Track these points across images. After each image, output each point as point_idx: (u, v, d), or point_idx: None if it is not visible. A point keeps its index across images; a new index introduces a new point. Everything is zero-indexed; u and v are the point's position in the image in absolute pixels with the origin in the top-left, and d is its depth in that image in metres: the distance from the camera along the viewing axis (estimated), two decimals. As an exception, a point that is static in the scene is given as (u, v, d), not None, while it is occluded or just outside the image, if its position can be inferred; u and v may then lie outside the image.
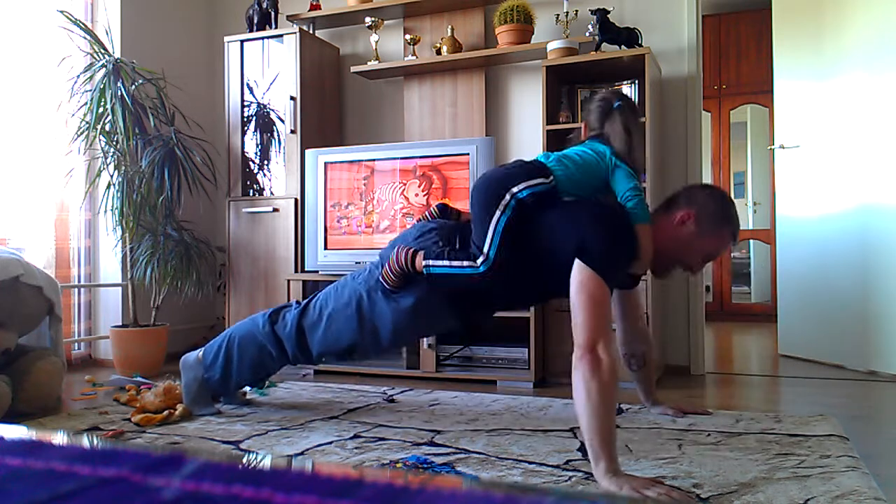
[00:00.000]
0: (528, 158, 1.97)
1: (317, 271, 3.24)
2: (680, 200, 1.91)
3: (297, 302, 2.26)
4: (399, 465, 1.75)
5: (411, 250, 1.97)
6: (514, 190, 1.82)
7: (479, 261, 1.86)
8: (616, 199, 1.90)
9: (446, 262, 1.91)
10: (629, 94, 3.03)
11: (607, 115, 1.95)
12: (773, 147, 3.75)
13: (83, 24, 3.27)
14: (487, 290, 1.97)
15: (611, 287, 1.71)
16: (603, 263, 1.68)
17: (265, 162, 3.60)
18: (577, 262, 1.70)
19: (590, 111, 2.02)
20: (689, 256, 1.91)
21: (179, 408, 2.26)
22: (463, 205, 2.96)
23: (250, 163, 3.60)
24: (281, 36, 3.49)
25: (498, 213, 1.82)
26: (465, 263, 1.88)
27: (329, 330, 2.12)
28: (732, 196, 5.45)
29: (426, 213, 2.18)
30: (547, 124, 3.02)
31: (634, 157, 1.91)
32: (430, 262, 1.93)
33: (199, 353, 2.33)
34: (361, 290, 2.09)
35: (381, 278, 2.02)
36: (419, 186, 3.09)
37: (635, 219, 1.84)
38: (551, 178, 1.85)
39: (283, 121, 3.48)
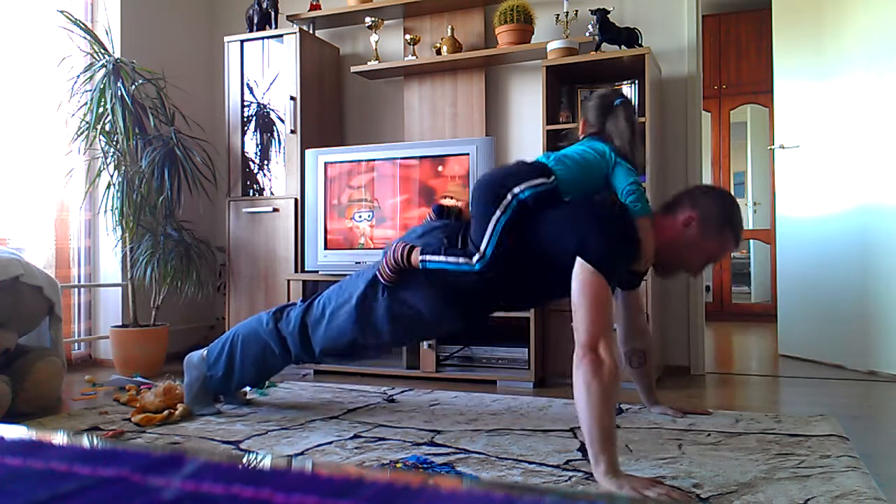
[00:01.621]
0: (528, 159, 1.97)
1: (317, 271, 3.24)
2: (684, 202, 1.90)
3: (302, 300, 2.27)
4: (399, 465, 1.75)
5: (408, 245, 1.97)
6: (516, 190, 1.82)
7: (475, 259, 1.86)
8: (616, 196, 1.90)
9: (442, 258, 1.91)
10: (629, 94, 3.03)
11: (608, 112, 1.95)
12: (773, 147, 3.75)
13: (83, 24, 3.27)
14: (486, 288, 1.96)
15: (612, 287, 1.71)
16: (604, 262, 1.68)
17: (265, 162, 3.60)
18: (578, 261, 1.69)
19: (588, 108, 2.01)
20: (690, 258, 1.91)
21: (180, 408, 2.26)
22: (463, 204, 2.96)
23: (250, 163, 3.60)
24: (281, 36, 3.49)
25: (498, 212, 1.82)
26: (462, 260, 1.88)
27: (331, 326, 2.12)
28: (731, 193, 5.50)
29: (429, 214, 2.18)
30: (547, 124, 3.02)
31: (635, 154, 1.91)
32: (427, 258, 1.93)
33: (203, 351, 2.33)
34: (363, 287, 2.09)
35: (377, 272, 2.03)
36: (419, 186, 3.09)
37: (636, 213, 1.84)
38: (552, 177, 1.85)
39: (283, 121, 3.48)
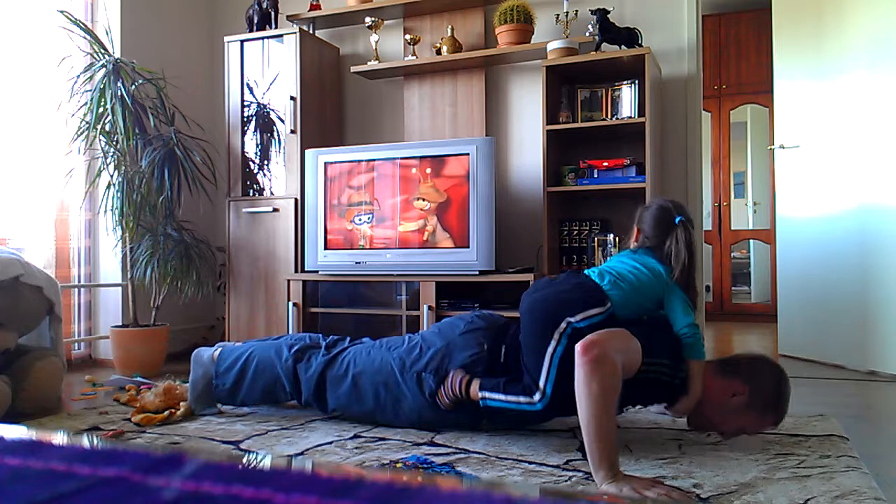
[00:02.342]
0: (581, 279, 1.89)
1: (317, 271, 3.24)
2: (740, 373, 1.82)
3: (326, 348, 2.22)
4: (399, 465, 1.75)
5: (466, 378, 1.92)
6: (572, 320, 1.76)
7: (537, 398, 1.79)
8: (668, 321, 1.87)
9: (502, 397, 1.85)
10: (629, 94, 3.03)
11: (667, 229, 1.90)
12: (773, 147, 3.75)
13: (83, 24, 3.27)
14: (539, 418, 1.91)
15: (641, 371, 1.69)
16: (642, 340, 1.68)
17: (265, 162, 3.60)
18: None
19: (645, 219, 1.96)
20: (726, 423, 1.83)
21: (182, 406, 2.26)
22: (463, 205, 2.96)
23: (250, 163, 3.60)
24: (281, 36, 3.49)
25: (553, 343, 1.76)
26: (522, 399, 1.82)
27: (352, 392, 2.10)
28: (732, 196, 5.50)
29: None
30: (547, 124, 3.02)
31: (692, 282, 1.86)
32: (487, 395, 1.87)
33: (215, 352, 2.31)
34: (395, 365, 2.05)
35: (437, 400, 1.98)
36: (423, 186, 3.09)
37: (692, 354, 1.80)
38: (608, 304, 1.80)
39: (283, 121, 3.48)
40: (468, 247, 2.95)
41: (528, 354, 1.83)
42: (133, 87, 3.21)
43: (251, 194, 3.57)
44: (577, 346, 1.58)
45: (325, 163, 3.22)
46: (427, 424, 2.06)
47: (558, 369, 1.75)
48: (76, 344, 3.49)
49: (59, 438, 0.48)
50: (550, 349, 1.76)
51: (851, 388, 2.78)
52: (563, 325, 1.76)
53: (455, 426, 2.05)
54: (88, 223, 3.51)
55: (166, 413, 2.22)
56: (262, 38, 3.55)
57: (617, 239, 3.05)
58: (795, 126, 3.55)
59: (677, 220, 1.90)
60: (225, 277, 3.58)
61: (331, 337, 2.30)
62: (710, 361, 1.87)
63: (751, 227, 5.59)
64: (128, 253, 3.28)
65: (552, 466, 1.71)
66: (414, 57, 3.44)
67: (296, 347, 2.22)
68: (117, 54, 3.39)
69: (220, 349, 2.32)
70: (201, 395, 2.29)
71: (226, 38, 3.62)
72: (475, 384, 1.90)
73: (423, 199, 3.05)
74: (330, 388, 2.13)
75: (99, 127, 3.17)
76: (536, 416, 1.86)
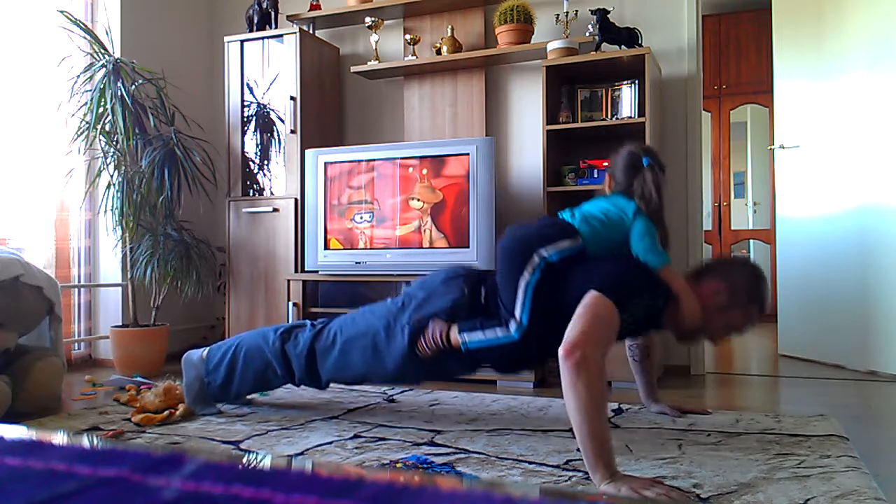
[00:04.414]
0: (553, 218, 1.97)
1: (317, 271, 3.24)
2: (714, 274, 1.90)
3: (311, 324, 2.25)
4: (399, 465, 1.75)
5: (445, 328, 1.95)
6: (544, 252, 1.82)
7: (513, 327, 1.85)
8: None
9: (481, 335, 1.90)
10: (629, 94, 3.03)
11: (635, 171, 1.94)
12: (773, 147, 3.75)
13: (83, 24, 3.27)
14: (521, 353, 1.95)
15: (625, 321, 1.69)
16: (616, 290, 1.68)
17: (265, 162, 3.60)
18: (589, 291, 1.69)
19: (616, 165, 2.00)
20: (713, 327, 1.89)
21: (181, 407, 2.26)
22: (463, 205, 2.96)
23: (250, 163, 3.60)
24: (281, 36, 3.49)
25: (527, 274, 1.82)
26: (500, 332, 1.88)
27: (342, 358, 2.11)
28: (732, 196, 5.50)
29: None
30: (547, 124, 3.02)
31: (659, 213, 1.90)
32: (466, 338, 1.92)
33: (203, 352, 2.32)
34: (380, 325, 2.08)
35: (417, 351, 2.00)
36: (419, 186, 3.09)
37: (654, 264, 1.84)
38: (579, 239, 1.85)
39: (283, 121, 3.48)
40: (468, 247, 2.95)
41: (504, 290, 1.89)
42: (133, 87, 3.21)
43: (251, 194, 3.57)
44: (560, 350, 1.58)
45: (325, 163, 3.22)
46: (418, 378, 2.11)
47: (533, 298, 1.82)
48: (76, 344, 3.49)
49: (59, 438, 0.48)
50: (524, 280, 1.83)
51: (851, 388, 2.78)
52: (536, 258, 1.82)
53: (446, 375, 2.09)
54: (88, 223, 3.51)
55: (166, 413, 2.22)
56: (262, 38, 3.55)
57: None
58: (795, 126, 3.55)
59: (645, 162, 1.93)
60: (225, 277, 3.58)
61: (319, 320, 2.32)
62: (686, 275, 1.94)
63: (751, 227, 5.59)
64: (128, 253, 3.28)
65: (552, 466, 1.71)
66: (414, 57, 3.44)
67: (282, 329, 2.24)
68: (117, 54, 3.39)
69: (208, 349, 2.33)
70: (198, 396, 2.29)
71: (226, 38, 3.62)
72: (454, 330, 1.94)
73: (418, 199, 3.06)
74: (320, 360, 2.15)
75: (99, 127, 3.17)
76: (518, 350, 1.91)
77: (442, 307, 1.99)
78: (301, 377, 2.19)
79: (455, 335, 1.94)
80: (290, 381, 2.23)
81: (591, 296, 1.68)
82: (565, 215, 1.95)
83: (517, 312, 1.84)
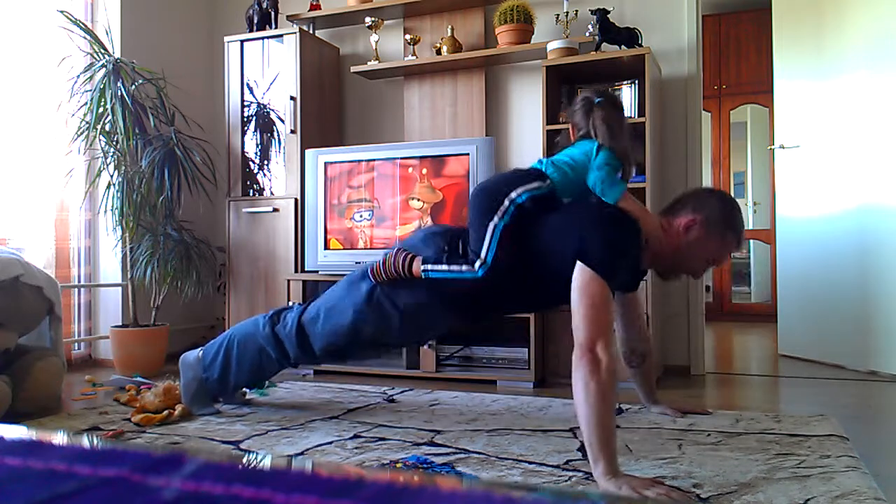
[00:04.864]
0: (523, 167, 2.00)
1: (317, 271, 3.24)
2: (685, 205, 1.91)
3: (299, 304, 2.27)
4: (399, 465, 1.75)
5: (409, 255, 1.98)
6: (513, 195, 1.84)
7: (477, 265, 1.87)
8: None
9: (444, 267, 1.93)
10: (629, 94, 3.03)
11: (589, 111, 1.96)
12: (773, 147, 3.75)
13: (83, 24, 3.27)
14: (488, 296, 1.98)
15: (612, 289, 1.71)
16: (604, 265, 1.68)
17: (265, 162, 3.60)
18: (578, 264, 1.70)
19: (574, 112, 2.02)
20: (692, 260, 1.92)
21: (179, 408, 2.26)
22: (462, 205, 2.96)
23: (250, 163, 3.60)
24: (281, 36, 3.49)
25: (496, 218, 1.84)
26: (464, 268, 1.90)
27: (327, 323, 2.12)
28: (732, 196, 5.50)
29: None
30: (547, 124, 3.02)
31: (620, 147, 1.91)
32: (429, 267, 1.95)
33: (199, 352, 2.32)
34: (359, 286, 2.10)
35: (369, 271, 2.03)
36: (419, 186, 3.09)
37: (610, 197, 1.85)
38: (549, 181, 1.88)
39: (283, 121, 3.48)
40: (468, 247, 2.95)
41: (473, 236, 1.91)
42: (133, 87, 3.21)
43: (251, 194, 3.57)
44: (574, 356, 1.60)
45: (325, 163, 3.22)
46: (402, 333, 2.10)
47: (499, 240, 1.83)
48: (76, 344, 3.49)
49: (59, 438, 0.48)
50: (492, 224, 1.85)
51: (851, 388, 2.78)
52: (506, 202, 1.84)
53: (415, 321, 2.08)
54: (88, 223, 3.51)
55: (166, 413, 2.22)
56: (262, 38, 3.55)
57: None
58: (795, 126, 3.55)
59: (596, 101, 1.94)
60: (225, 277, 3.58)
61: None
62: (659, 213, 1.97)
63: (751, 227, 5.59)
64: (128, 253, 3.28)
65: (552, 466, 1.71)
66: (414, 57, 3.44)
67: (270, 313, 2.26)
68: (117, 54, 3.39)
69: (202, 349, 2.33)
70: (196, 397, 2.29)
71: (226, 38, 3.62)
72: (417, 261, 1.96)
73: (418, 199, 3.06)
74: (310, 331, 2.15)
75: (99, 127, 3.17)
76: (478, 290, 1.92)
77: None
78: (295, 355, 2.19)
79: (417, 266, 1.96)
80: (287, 364, 2.23)
81: (583, 275, 1.67)
82: (536, 164, 1.97)
83: (483, 252, 1.86)
